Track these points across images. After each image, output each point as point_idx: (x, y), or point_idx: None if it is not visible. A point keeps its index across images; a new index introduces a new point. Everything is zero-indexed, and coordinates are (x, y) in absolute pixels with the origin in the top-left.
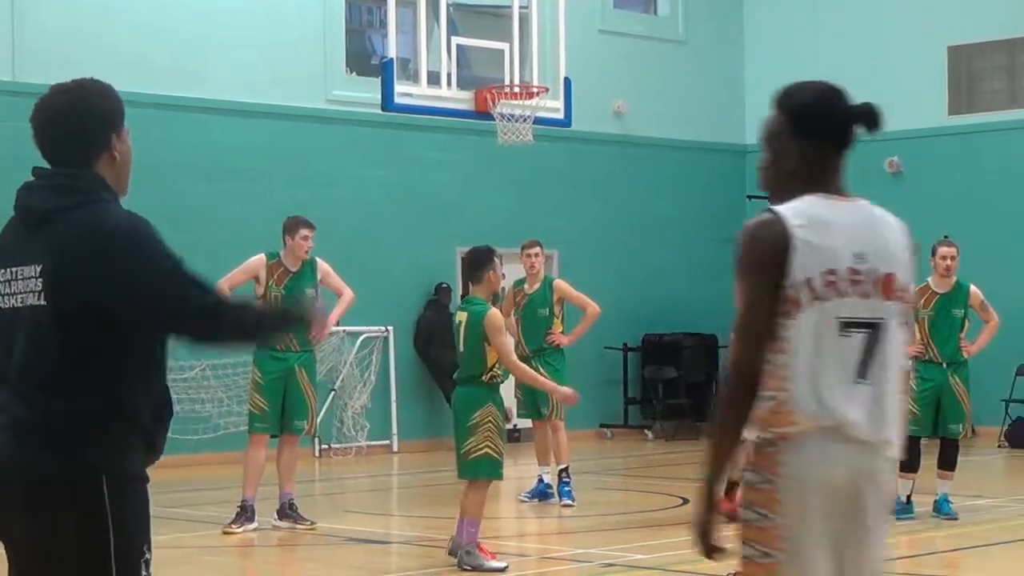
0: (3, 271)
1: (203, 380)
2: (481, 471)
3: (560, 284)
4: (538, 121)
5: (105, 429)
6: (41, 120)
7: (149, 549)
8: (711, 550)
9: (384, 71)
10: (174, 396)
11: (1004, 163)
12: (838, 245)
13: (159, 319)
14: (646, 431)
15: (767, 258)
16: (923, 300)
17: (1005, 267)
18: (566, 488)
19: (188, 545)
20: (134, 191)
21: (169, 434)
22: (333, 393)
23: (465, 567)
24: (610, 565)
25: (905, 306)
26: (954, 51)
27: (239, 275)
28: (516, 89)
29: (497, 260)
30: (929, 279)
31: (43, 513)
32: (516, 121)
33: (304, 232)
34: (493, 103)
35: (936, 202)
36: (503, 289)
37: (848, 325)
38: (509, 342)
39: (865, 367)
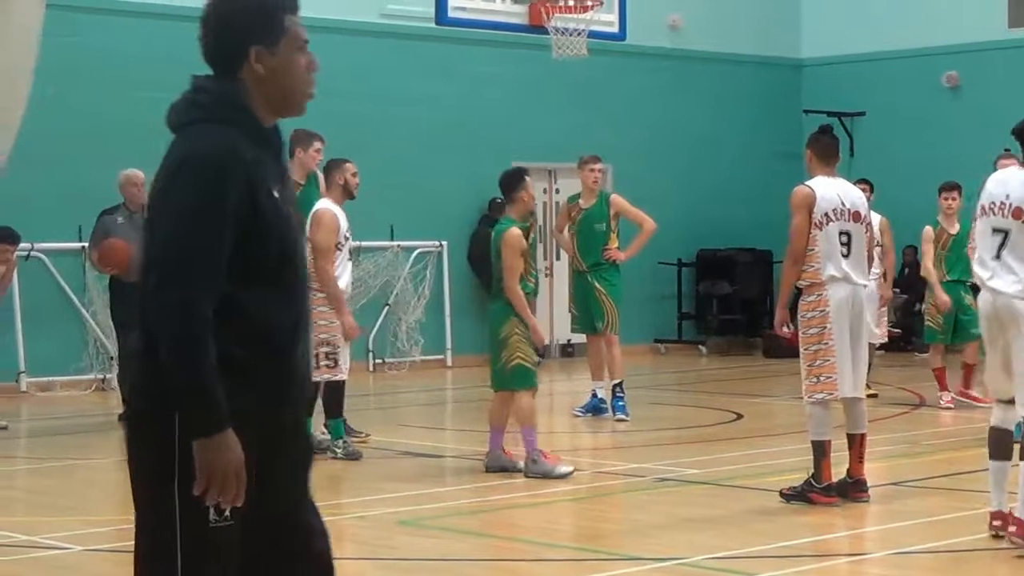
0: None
1: None
2: (514, 382)
3: (617, 199)
4: (592, 35)
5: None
6: (200, 24)
7: None
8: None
9: None
10: None
11: None
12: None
13: (147, 252)
14: (700, 346)
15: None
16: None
17: None
18: (620, 403)
19: None
20: None
21: None
22: (387, 308)
23: (533, 475)
24: (664, 480)
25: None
26: None
27: None
28: (571, 3)
29: (528, 180)
30: None
31: (130, 439)
32: (570, 35)
33: (318, 145)
34: (547, 17)
35: (994, 116)
36: (556, 204)
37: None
38: (518, 265)
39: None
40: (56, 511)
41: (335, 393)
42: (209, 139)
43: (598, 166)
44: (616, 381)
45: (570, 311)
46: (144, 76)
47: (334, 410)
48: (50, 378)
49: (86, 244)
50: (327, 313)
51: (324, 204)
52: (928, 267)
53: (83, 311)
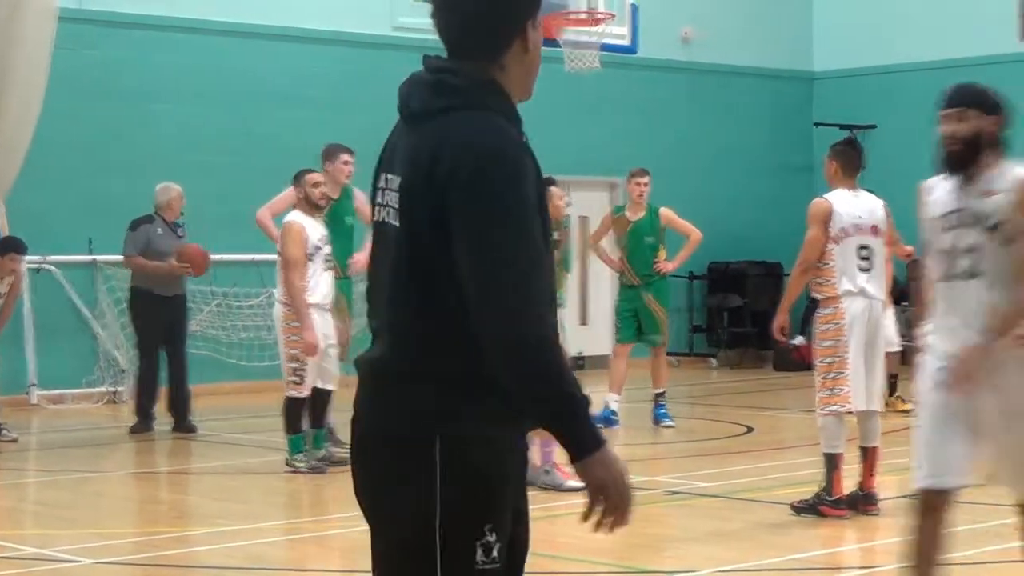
0: (381, 177)
1: (268, 307)
2: None
3: (666, 212)
4: (604, 48)
5: (442, 380)
6: (447, 3)
7: (494, 530)
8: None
9: None
10: (237, 323)
11: None
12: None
13: (466, 281)
14: (711, 359)
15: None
16: None
17: None
18: (662, 410)
19: (255, 471)
20: (205, 118)
21: (236, 361)
22: None
23: (543, 485)
24: (674, 493)
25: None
26: None
27: (280, 203)
28: (582, 15)
29: (550, 190)
30: None
31: (391, 475)
32: (582, 48)
33: (345, 157)
34: (559, 30)
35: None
36: (566, 217)
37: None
38: None
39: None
40: (66, 524)
41: (295, 409)
42: (489, 129)
43: (644, 179)
44: (659, 390)
45: (615, 323)
46: (155, 88)
47: (293, 426)
48: (61, 391)
49: (97, 256)
50: (298, 328)
51: (292, 216)
52: None
53: (94, 324)
